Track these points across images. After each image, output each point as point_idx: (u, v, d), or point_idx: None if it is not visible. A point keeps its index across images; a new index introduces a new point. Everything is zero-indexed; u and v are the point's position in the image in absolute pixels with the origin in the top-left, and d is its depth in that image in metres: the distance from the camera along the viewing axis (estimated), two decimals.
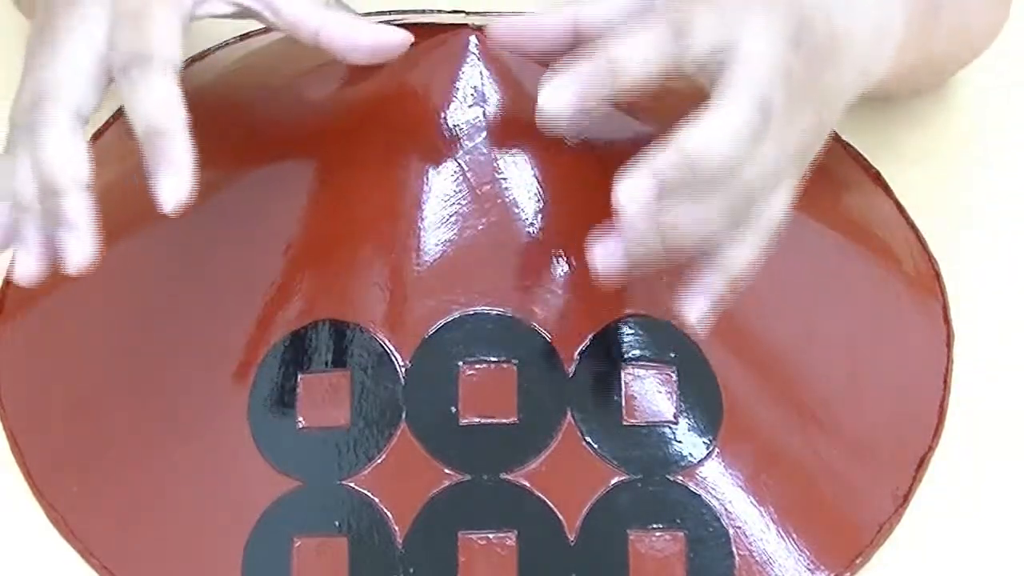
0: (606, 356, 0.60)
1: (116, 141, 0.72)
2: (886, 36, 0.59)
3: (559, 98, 0.52)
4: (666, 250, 0.53)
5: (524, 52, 0.61)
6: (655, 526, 0.59)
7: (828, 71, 0.56)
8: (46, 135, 0.54)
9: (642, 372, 0.60)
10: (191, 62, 0.74)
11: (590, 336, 0.60)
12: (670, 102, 0.68)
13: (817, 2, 0.55)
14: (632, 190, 0.51)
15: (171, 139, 0.53)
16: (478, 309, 0.60)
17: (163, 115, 0.54)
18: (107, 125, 0.73)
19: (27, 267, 0.56)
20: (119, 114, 0.73)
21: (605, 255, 0.53)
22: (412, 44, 0.61)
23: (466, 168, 0.61)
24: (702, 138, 0.51)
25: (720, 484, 0.59)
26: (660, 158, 0.51)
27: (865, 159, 0.74)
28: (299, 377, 0.60)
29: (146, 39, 0.55)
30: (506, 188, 0.61)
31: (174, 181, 0.53)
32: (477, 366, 0.59)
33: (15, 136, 0.55)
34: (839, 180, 0.72)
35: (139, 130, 0.54)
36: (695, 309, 0.55)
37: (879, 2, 0.59)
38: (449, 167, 0.61)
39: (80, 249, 0.54)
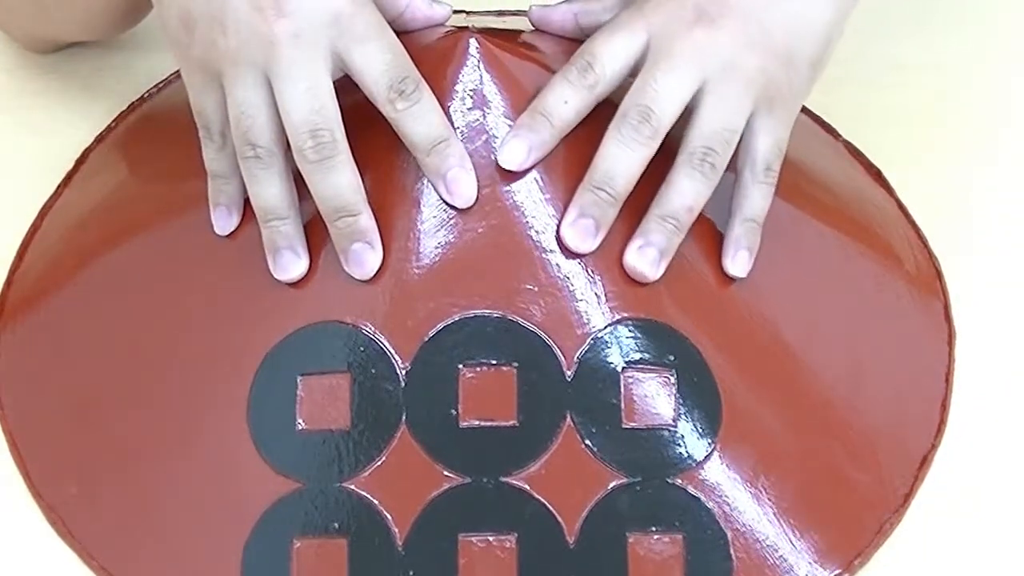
0: (606, 359, 0.60)
1: (116, 147, 0.72)
2: None
3: (515, 156, 0.60)
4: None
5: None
6: (654, 528, 0.59)
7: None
8: (339, 163, 0.59)
9: (642, 375, 0.60)
10: None
11: (590, 339, 0.60)
12: None
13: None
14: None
15: (453, 142, 0.60)
16: (478, 311, 0.60)
17: (442, 126, 0.60)
18: (109, 130, 0.73)
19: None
20: (120, 118, 0.74)
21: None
22: (412, 45, 0.61)
23: None
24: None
25: (719, 486, 0.59)
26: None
27: (866, 158, 0.74)
28: (299, 379, 0.60)
29: (405, 61, 0.60)
30: (506, 190, 0.60)
31: (465, 175, 0.60)
32: (477, 368, 0.59)
33: (267, 159, 0.60)
34: (840, 179, 0.72)
35: (425, 144, 0.60)
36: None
37: None
38: None
39: (375, 256, 0.60)
